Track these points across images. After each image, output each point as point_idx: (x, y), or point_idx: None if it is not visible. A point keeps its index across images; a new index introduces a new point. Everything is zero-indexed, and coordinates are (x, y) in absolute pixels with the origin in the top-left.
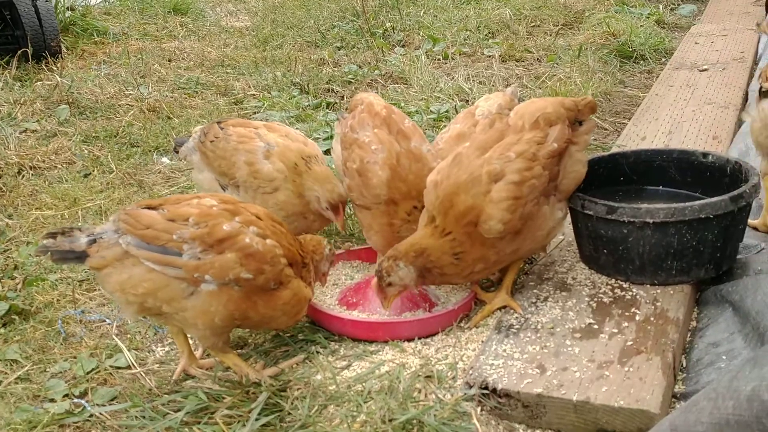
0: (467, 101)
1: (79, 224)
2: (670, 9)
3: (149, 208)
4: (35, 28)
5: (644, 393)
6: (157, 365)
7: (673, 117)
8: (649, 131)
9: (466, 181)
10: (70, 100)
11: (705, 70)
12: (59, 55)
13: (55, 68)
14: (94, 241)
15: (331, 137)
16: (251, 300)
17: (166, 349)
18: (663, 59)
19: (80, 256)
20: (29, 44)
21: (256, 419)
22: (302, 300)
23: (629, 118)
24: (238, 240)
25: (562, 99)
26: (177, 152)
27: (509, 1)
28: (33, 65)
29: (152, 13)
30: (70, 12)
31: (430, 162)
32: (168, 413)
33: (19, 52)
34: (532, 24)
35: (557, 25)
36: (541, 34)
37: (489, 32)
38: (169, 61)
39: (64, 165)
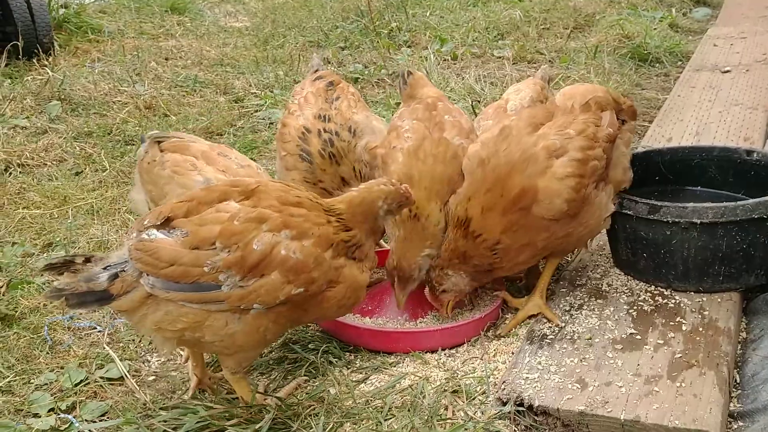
0: (479, 101)
1: (87, 252)
2: (683, 13)
3: (161, 225)
4: (27, 24)
5: (701, 411)
6: (153, 377)
7: (699, 118)
8: (675, 132)
9: (520, 159)
10: (62, 96)
11: (728, 71)
12: (51, 52)
13: (47, 63)
14: (116, 275)
15: None
16: (302, 308)
17: (162, 359)
18: (679, 62)
19: (103, 297)
20: (20, 40)
21: None
22: (358, 288)
23: (650, 121)
24: (275, 255)
25: (605, 88)
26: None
27: (518, 3)
28: (24, 62)
29: (149, 11)
30: (63, 9)
31: (459, 154)
32: (165, 431)
33: (9, 46)
34: (542, 26)
35: (568, 28)
36: (552, 36)
37: (498, 33)
38: (166, 59)
39: (54, 162)
